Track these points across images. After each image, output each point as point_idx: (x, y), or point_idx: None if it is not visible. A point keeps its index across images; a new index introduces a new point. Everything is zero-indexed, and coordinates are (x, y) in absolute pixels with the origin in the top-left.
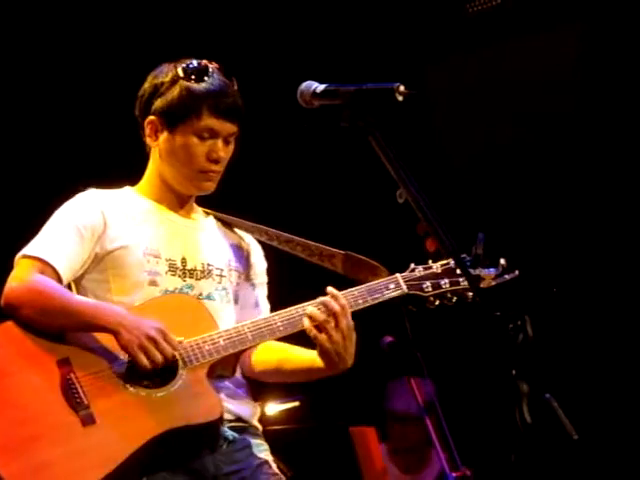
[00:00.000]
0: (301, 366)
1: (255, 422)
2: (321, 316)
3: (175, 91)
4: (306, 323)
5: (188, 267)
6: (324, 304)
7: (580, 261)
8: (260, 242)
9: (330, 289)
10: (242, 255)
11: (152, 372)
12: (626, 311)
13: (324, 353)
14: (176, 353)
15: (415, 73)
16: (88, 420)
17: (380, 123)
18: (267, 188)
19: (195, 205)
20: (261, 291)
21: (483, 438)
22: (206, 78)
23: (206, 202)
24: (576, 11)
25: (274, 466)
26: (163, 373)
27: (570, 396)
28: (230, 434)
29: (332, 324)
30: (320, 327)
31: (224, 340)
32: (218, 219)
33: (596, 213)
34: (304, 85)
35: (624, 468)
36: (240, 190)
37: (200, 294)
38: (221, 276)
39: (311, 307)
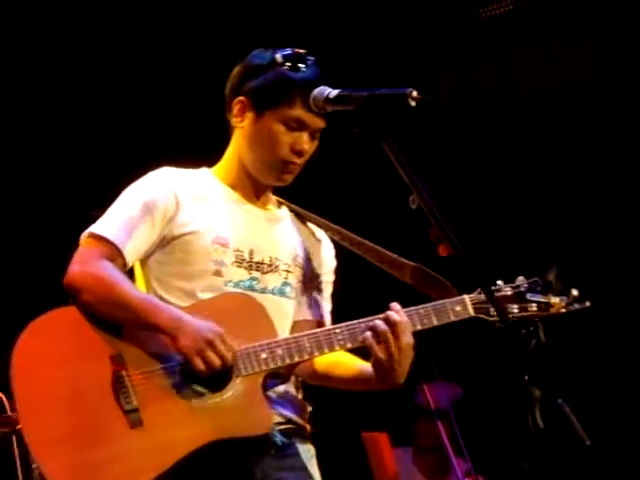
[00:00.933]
0: (351, 373)
1: (304, 423)
2: (382, 328)
3: (270, 75)
4: (367, 334)
5: (255, 259)
6: (387, 317)
7: (595, 265)
8: (332, 241)
9: (394, 304)
10: (311, 250)
11: (205, 377)
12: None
13: (378, 364)
14: (234, 359)
15: (428, 78)
16: (136, 422)
17: (393, 128)
18: (280, 193)
19: (270, 194)
20: (325, 290)
21: (496, 444)
22: (303, 67)
23: None
24: (590, 14)
25: (313, 474)
26: (216, 378)
27: (582, 401)
28: (279, 439)
29: (392, 337)
30: (379, 339)
31: (282, 349)
32: (291, 210)
33: (612, 217)
34: (317, 91)
35: (636, 474)
36: None
37: (264, 288)
38: (287, 271)
39: (375, 321)
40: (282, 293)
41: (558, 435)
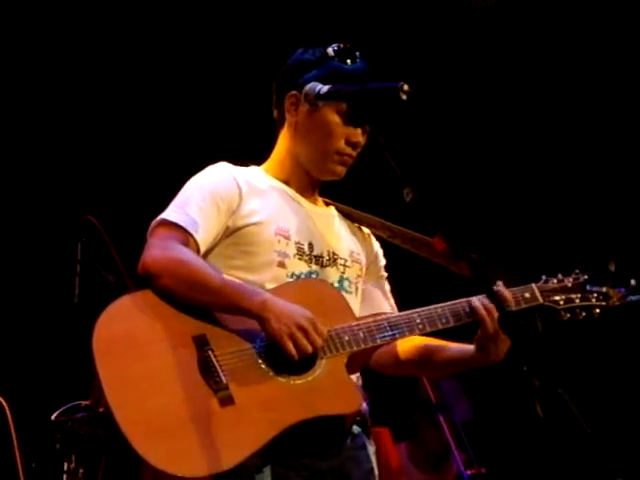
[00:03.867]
0: (451, 355)
1: (368, 417)
2: (490, 304)
3: (324, 69)
4: (479, 308)
5: (315, 253)
6: (497, 292)
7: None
8: (379, 239)
9: (499, 282)
10: (364, 248)
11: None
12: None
13: (485, 336)
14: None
15: (417, 71)
16: (227, 401)
17: (385, 122)
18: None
19: (318, 195)
20: (385, 285)
21: (496, 434)
22: (355, 61)
23: None
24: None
25: (377, 474)
26: (302, 360)
27: (582, 391)
28: (355, 428)
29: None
30: (489, 312)
31: (363, 332)
32: (339, 210)
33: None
34: (308, 87)
35: (637, 462)
36: None
37: None
38: (345, 266)
39: (477, 297)
40: (341, 287)
41: (558, 425)
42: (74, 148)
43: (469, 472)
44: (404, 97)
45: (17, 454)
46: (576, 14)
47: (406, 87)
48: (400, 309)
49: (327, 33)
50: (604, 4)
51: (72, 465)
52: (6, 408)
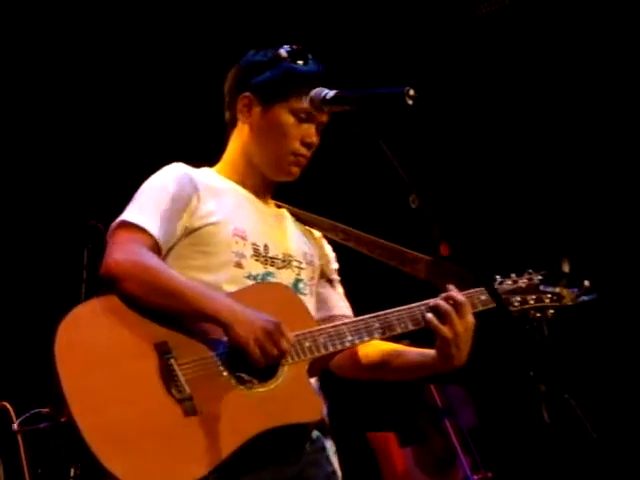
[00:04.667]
0: (411, 360)
1: (326, 418)
2: (447, 307)
3: (276, 70)
4: (429, 315)
5: (270, 254)
6: (449, 297)
7: (604, 257)
8: (331, 242)
9: (451, 286)
10: (316, 250)
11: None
12: None
13: (444, 344)
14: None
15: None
16: (190, 411)
17: (391, 127)
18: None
19: (269, 197)
20: (339, 287)
21: (503, 439)
22: (306, 61)
23: None
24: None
25: (339, 475)
26: (265, 367)
27: (588, 396)
28: (314, 433)
29: (457, 317)
30: (444, 319)
31: (324, 338)
32: (291, 213)
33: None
34: (314, 92)
35: None
36: None
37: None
38: (299, 268)
39: (432, 301)
40: (296, 289)
41: (564, 429)
42: (80, 154)
43: (475, 477)
44: (410, 102)
45: (23, 459)
46: (580, 19)
47: (412, 92)
48: (355, 311)
49: (331, 38)
50: (607, 9)
51: (78, 471)
52: (12, 413)
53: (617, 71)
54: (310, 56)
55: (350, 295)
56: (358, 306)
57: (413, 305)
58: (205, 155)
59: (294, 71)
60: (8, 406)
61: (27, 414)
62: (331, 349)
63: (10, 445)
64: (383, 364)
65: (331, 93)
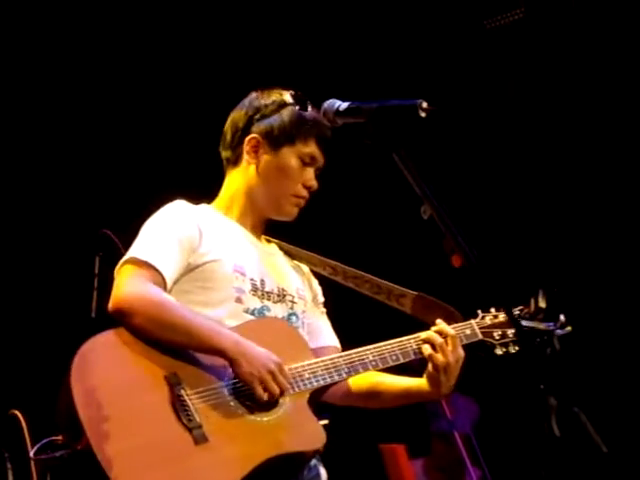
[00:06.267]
0: (400, 388)
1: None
2: (439, 340)
3: (284, 115)
4: (426, 345)
5: (266, 289)
6: (441, 330)
7: (606, 271)
8: (318, 276)
9: (439, 320)
10: (306, 285)
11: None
12: None
13: (436, 373)
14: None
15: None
16: (201, 439)
17: (403, 139)
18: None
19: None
20: (327, 320)
21: (512, 453)
22: (310, 107)
23: None
24: None
25: None
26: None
27: (599, 409)
28: (312, 461)
29: (448, 349)
30: (437, 349)
31: (322, 370)
32: (281, 248)
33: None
34: (327, 103)
35: None
36: None
37: (275, 317)
38: (293, 302)
39: (424, 334)
40: (290, 322)
41: (575, 443)
42: (92, 163)
43: None
44: (423, 114)
45: (32, 468)
46: (595, 33)
47: (425, 105)
48: (342, 343)
49: (345, 50)
50: (621, 23)
51: None
52: (22, 422)
53: (632, 88)
54: (309, 102)
55: (336, 327)
56: (344, 338)
57: (404, 338)
58: (206, 177)
59: (300, 116)
60: (18, 414)
61: (41, 443)
62: (329, 380)
63: (20, 455)
64: (372, 394)
65: (344, 105)
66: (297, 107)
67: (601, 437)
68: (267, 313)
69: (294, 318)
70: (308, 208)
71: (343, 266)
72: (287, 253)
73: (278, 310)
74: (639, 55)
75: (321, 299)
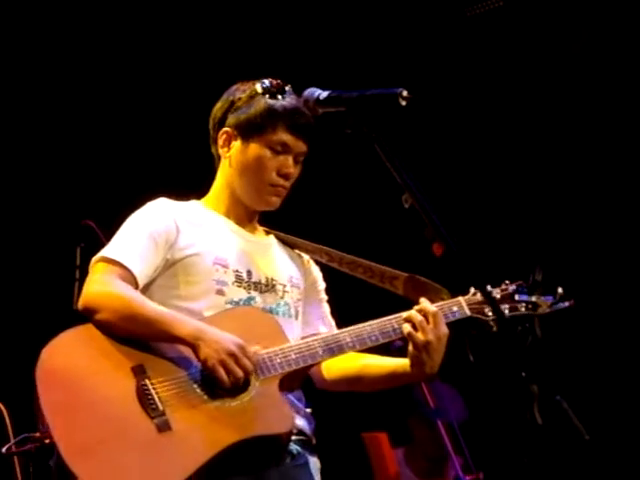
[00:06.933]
0: (386, 371)
1: (312, 435)
2: (419, 318)
3: (253, 106)
4: (406, 325)
5: (253, 280)
6: (422, 309)
7: (587, 260)
8: (318, 263)
9: (423, 299)
10: (303, 273)
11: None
12: (636, 312)
13: (417, 352)
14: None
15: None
16: (164, 426)
17: (384, 128)
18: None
19: (257, 223)
20: (325, 308)
21: (495, 441)
22: (283, 96)
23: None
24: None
25: None
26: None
27: (580, 397)
28: (294, 448)
29: (429, 327)
30: (417, 327)
31: (295, 354)
32: (279, 238)
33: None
34: (307, 92)
35: (635, 468)
36: None
37: (263, 307)
38: (284, 291)
39: (406, 313)
40: (279, 311)
41: (557, 431)
42: (73, 153)
43: (467, 477)
44: (403, 103)
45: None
46: (575, 20)
47: (405, 93)
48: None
49: (324, 38)
50: (603, 9)
51: None
52: (5, 414)
53: (613, 74)
54: (287, 89)
55: (337, 313)
56: (346, 321)
57: (384, 319)
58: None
59: (269, 107)
60: (2, 408)
61: (18, 437)
62: (302, 364)
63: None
64: (359, 377)
65: (324, 94)
66: (267, 96)
67: (583, 424)
68: (254, 303)
69: (286, 307)
70: (293, 197)
71: (337, 252)
72: (285, 243)
73: (267, 299)
74: (618, 42)
75: (321, 286)
